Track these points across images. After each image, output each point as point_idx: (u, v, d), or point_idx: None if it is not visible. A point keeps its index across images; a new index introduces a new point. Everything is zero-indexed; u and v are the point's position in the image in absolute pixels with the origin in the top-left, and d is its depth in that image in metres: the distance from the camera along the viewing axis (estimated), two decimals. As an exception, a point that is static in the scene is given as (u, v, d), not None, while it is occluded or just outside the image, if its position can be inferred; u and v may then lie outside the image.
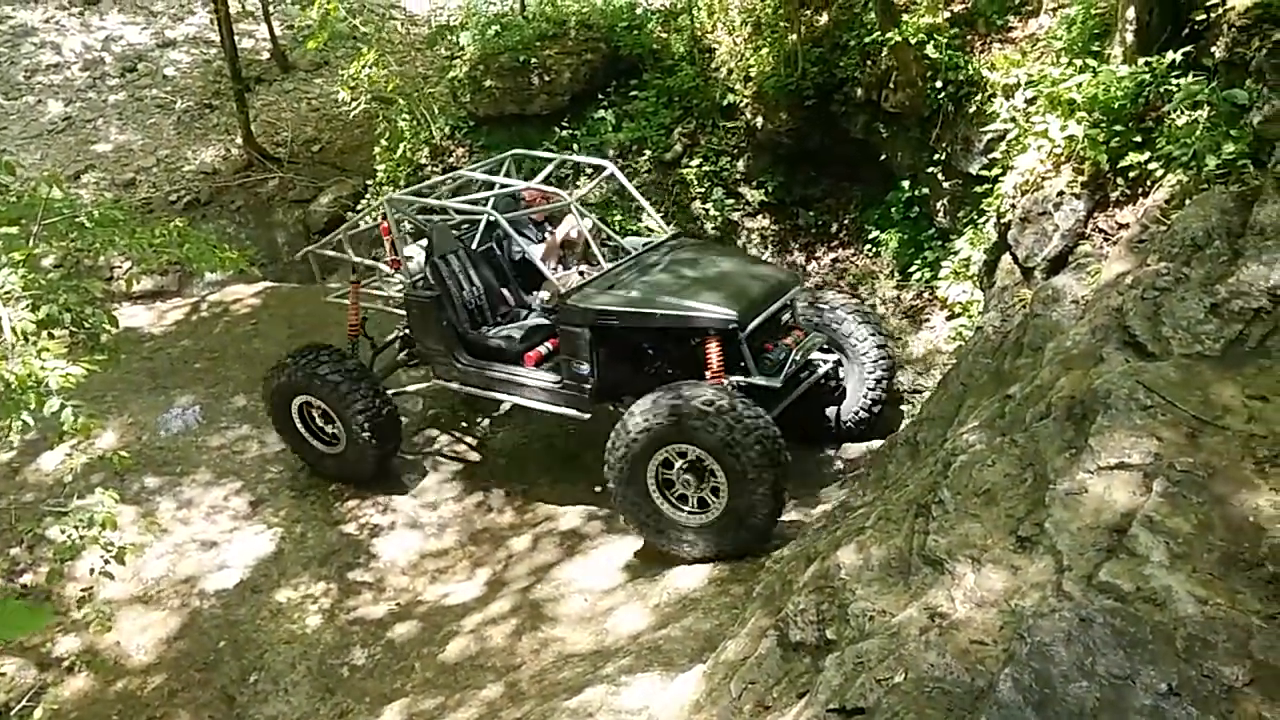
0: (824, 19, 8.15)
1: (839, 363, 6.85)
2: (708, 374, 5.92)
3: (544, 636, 5.65)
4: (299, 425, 7.26)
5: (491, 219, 6.96)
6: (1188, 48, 5.50)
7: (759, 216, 8.53)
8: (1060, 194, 5.99)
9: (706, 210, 8.57)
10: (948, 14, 7.27)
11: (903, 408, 7.18)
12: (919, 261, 7.56)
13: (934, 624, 3.15)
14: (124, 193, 13.16)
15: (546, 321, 6.80)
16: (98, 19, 17.33)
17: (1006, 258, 6.37)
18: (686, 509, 5.77)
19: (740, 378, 6.00)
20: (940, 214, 7.47)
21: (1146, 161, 5.57)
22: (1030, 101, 6.34)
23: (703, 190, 8.60)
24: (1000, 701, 2.36)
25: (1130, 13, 5.87)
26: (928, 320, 7.44)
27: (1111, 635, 2.51)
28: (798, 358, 6.26)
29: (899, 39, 6.96)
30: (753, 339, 6.06)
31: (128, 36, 17.01)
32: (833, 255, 8.20)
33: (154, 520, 6.76)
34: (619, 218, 8.73)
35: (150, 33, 17.11)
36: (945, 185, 7.35)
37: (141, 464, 7.61)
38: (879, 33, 7.15)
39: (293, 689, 5.82)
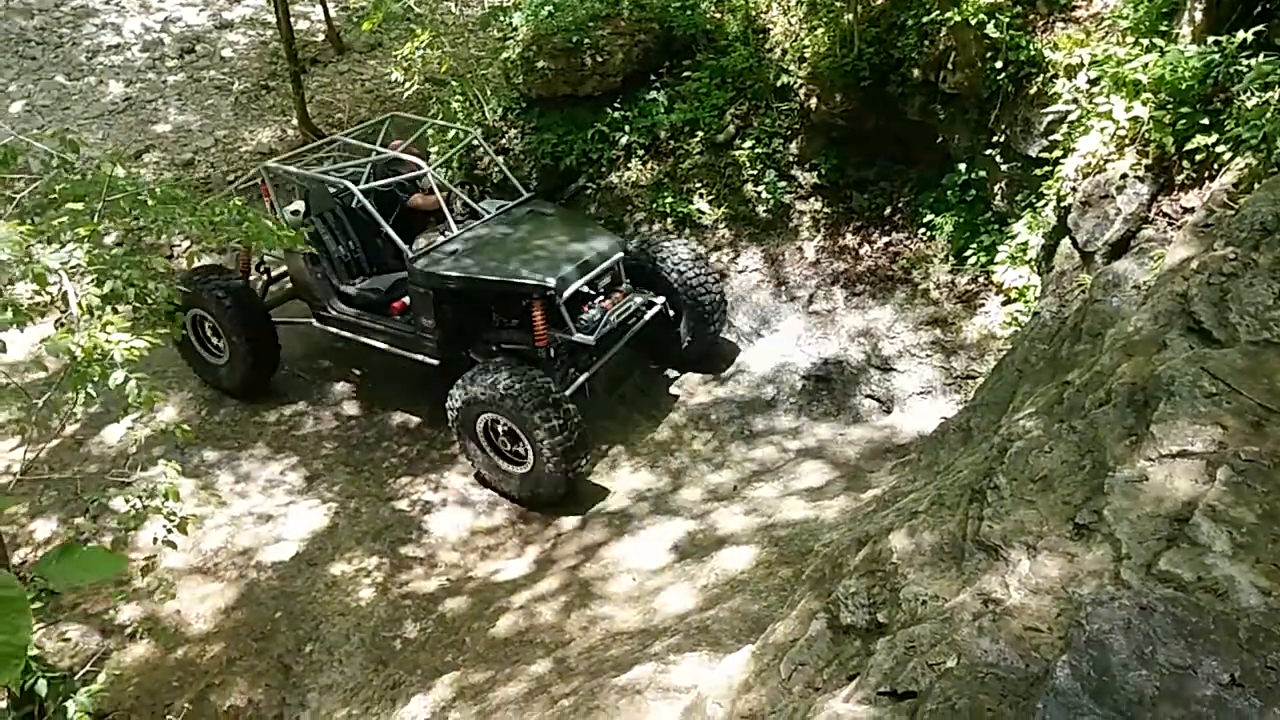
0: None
1: (670, 304, 7.66)
2: (534, 332, 6.95)
3: (592, 614, 5.69)
4: (192, 337, 7.99)
5: (351, 184, 7.49)
6: (1260, 27, 5.35)
7: (811, 199, 8.46)
8: (1123, 177, 5.87)
9: (758, 193, 8.51)
10: (1008, -6, 7.12)
11: (955, 396, 7.09)
12: (974, 246, 7.45)
13: (987, 610, 3.13)
14: (183, 172, 13.38)
15: None
16: (157, 1, 17.62)
17: (1065, 242, 6.26)
18: (509, 461, 6.85)
19: (561, 335, 6.95)
20: (997, 198, 7.35)
21: (1214, 144, 5.44)
22: (1093, 82, 6.21)
23: (755, 172, 8.54)
24: (1058, 689, 2.34)
25: (1199, -10, 5.73)
26: (982, 305, 7.33)
27: (1172, 624, 2.47)
28: (613, 318, 7.11)
29: (959, 18, 6.84)
30: (571, 302, 6.92)
31: (186, 18, 17.28)
32: (886, 239, 8.10)
33: (214, 493, 6.91)
34: (669, 199, 8.70)
35: (208, 14, 17.36)
36: (1003, 168, 7.22)
37: (200, 438, 7.79)
38: (938, 12, 7.03)
39: (347, 660, 5.93)
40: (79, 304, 3.43)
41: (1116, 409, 3.75)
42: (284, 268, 8.35)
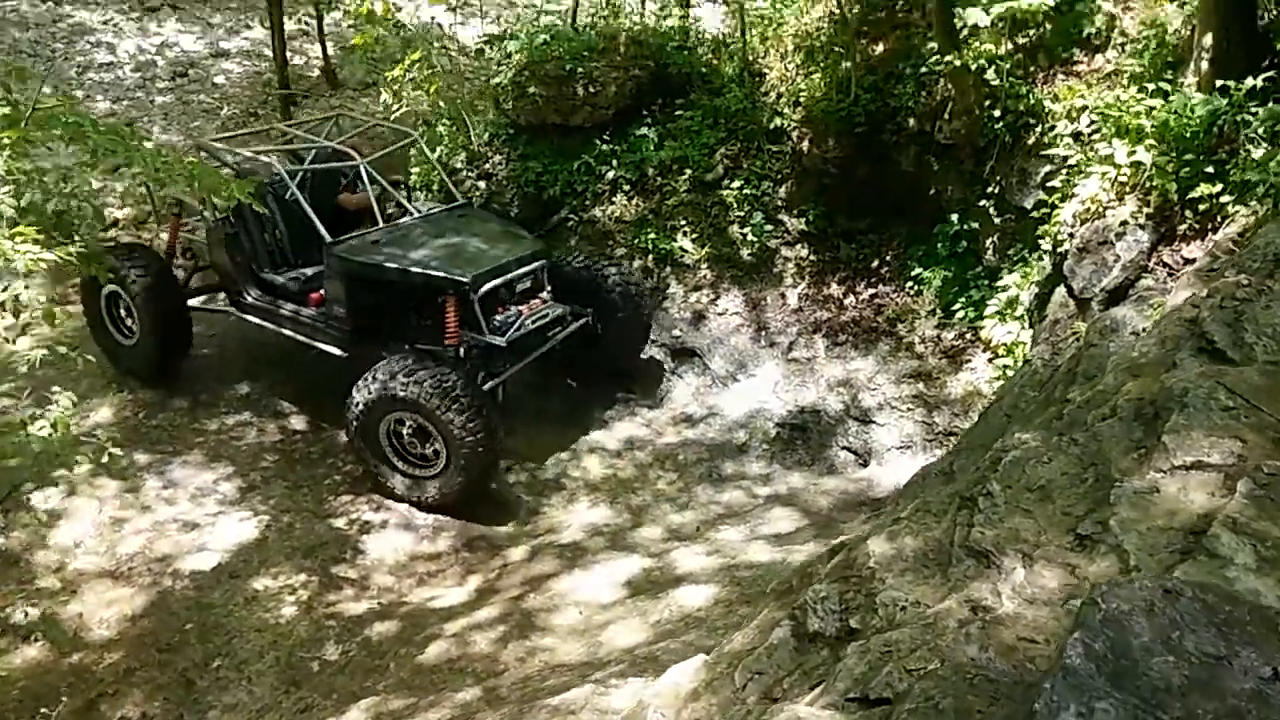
0: (880, 48, 7.92)
1: (593, 318, 7.56)
2: (445, 330, 6.77)
3: (532, 645, 5.20)
4: (104, 312, 7.77)
5: (282, 172, 7.46)
6: (1271, 73, 5.19)
7: (798, 246, 8.21)
8: (1123, 224, 5.64)
9: (744, 235, 8.26)
10: (1010, 45, 7.00)
11: (937, 451, 6.73)
12: (963, 300, 7.19)
13: (976, 617, 2.72)
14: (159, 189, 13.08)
15: None
16: (155, 25, 17.52)
17: (1060, 290, 5.99)
18: (415, 465, 6.57)
19: (474, 334, 6.79)
20: (989, 251, 7.12)
21: (1219, 194, 5.23)
22: (1095, 129, 6.03)
23: (742, 214, 8.30)
24: (1069, 669, 1.93)
25: (1207, 40, 5.58)
26: (969, 362, 7.04)
27: (1202, 611, 2.08)
28: (529, 322, 6.98)
29: (959, 63, 6.68)
30: (485, 302, 6.77)
31: (182, 44, 17.15)
32: (871, 291, 7.83)
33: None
34: (652, 235, 8.44)
35: (205, 42, 17.25)
36: (996, 221, 7.01)
37: (134, 440, 7.31)
38: (938, 55, 6.88)
39: (257, 678, 5.38)
40: (-14, 210, 3.06)
41: (1122, 422, 3.40)
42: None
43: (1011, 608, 2.77)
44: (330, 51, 15.83)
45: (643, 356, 8.17)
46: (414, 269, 6.78)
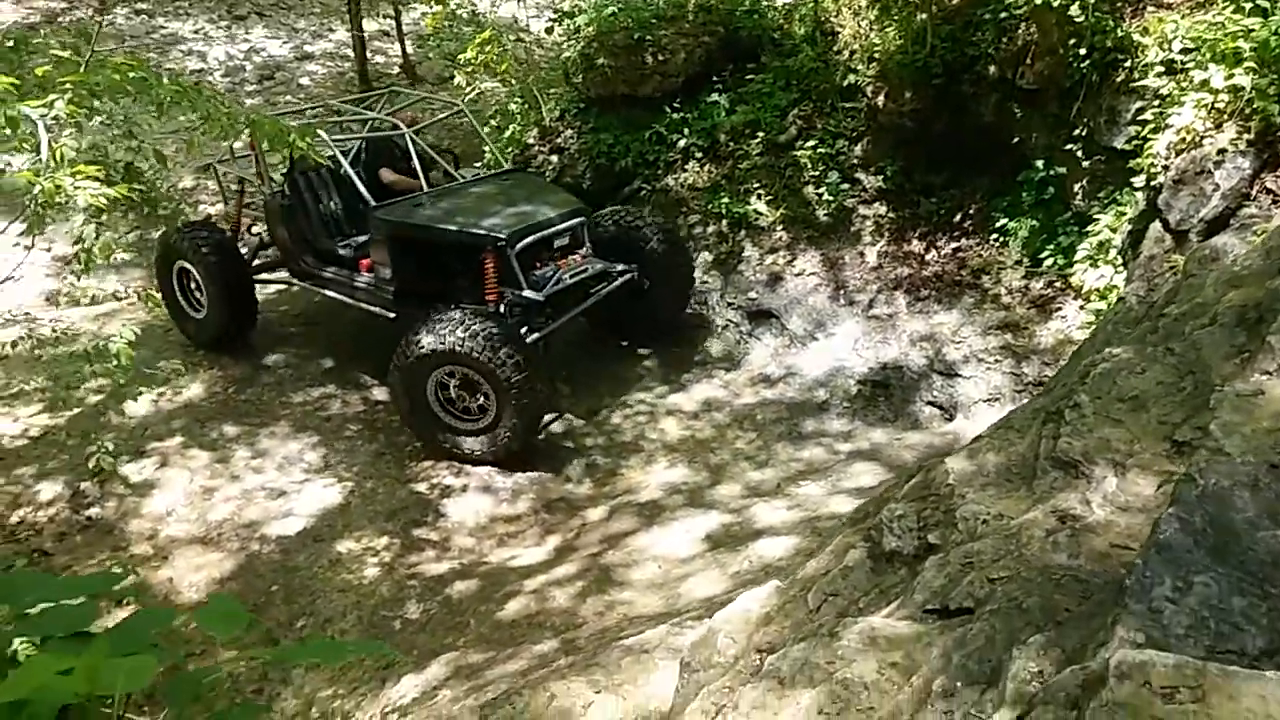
0: (957, -2, 7.65)
1: (636, 276, 7.57)
2: (485, 287, 6.85)
3: (610, 599, 5.15)
4: (175, 288, 8.14)
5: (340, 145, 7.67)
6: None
7: (875, 203, 7.99)
8: (1222, 152, 5.33)
9: (819, 195, 8.07)
10: (1095, -20, 6.69)
11: (1022, 399, 6.47)
12: (1051, 248, 6.89)
13: (1064, 526, 2.57)
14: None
15: None
16: (243, 32, 18.00)
17: (1155, 225, 5.70)
18: (464, 419, 6.64)
19: (513, 290, 6.84)
20: (1078, 196, 6.81)
21: (1326, 113, 4.90)
22: (1189, 56, 5.71)
23: (816, 174, 8.11)
24: (1163, 543, 1.78)
25: (1311, -49, 5.24)
26: (1059, 310, 6.74)
27: (1315, 487, 1.90)
28: (566, 277, 7.04)
29: (1040, 1, 6.40)
30: (523, 257, 6.83)
31: (269, 49, 17.59)
32: (954, 245, 7.57)
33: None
34: (726, 199, 8.31)
35: (290, 46, 17.67)
36: (1085, 164, 6.70)
37: (223, 413, 7.49)
38: (1017, -2, 6.61)
39: (339, 637, 5.43)
40: (51, 151, 3.11)
41: (1223, 329, 3.19)
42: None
43: (1103, 515, 2.60)
44: (409, 49, 16.10)
45: (688, 311, 8.24)
46: (451, 227, 6.97)
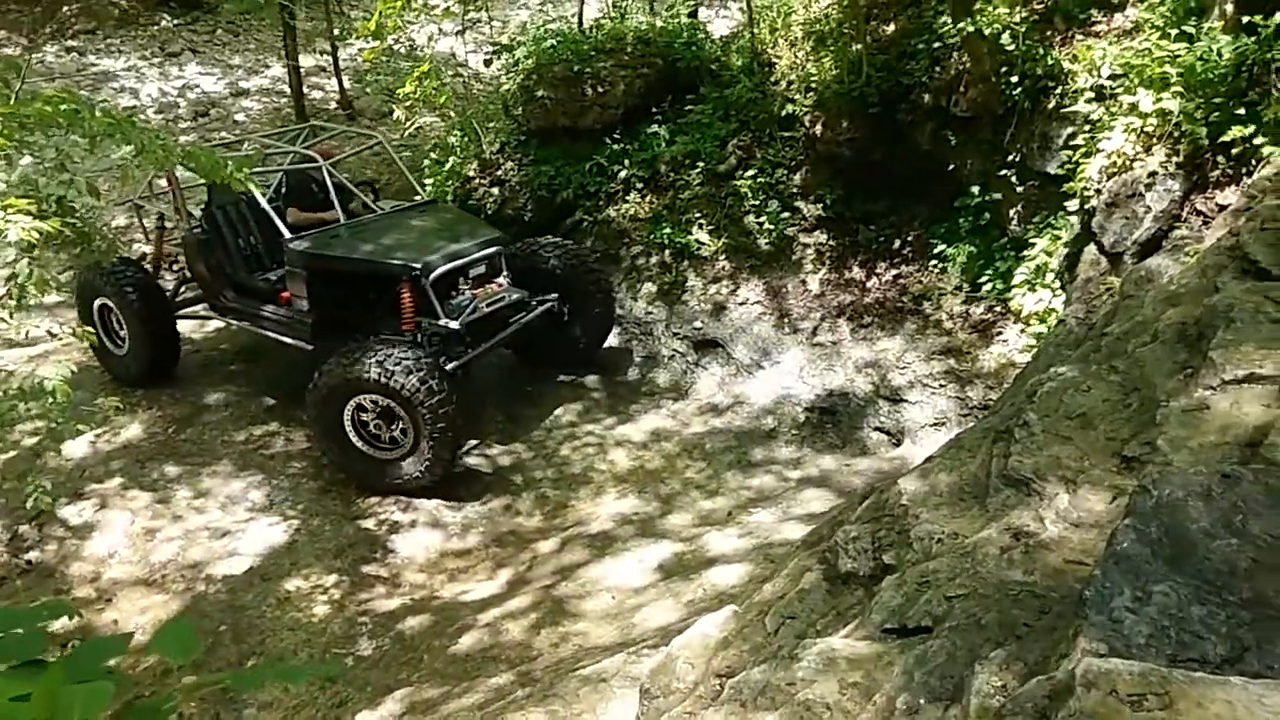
0: (891, 28, 7.82)
1: (558, 303, 7.72)
2: (401, 317, 6.91)
3: (565, 631, 5.11)
4: (98, 325, 7.99)
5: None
6: (1296, 10, 5.04)
7: (816, 231, 8.09)
8: (1152, 174, 5.49)
9: (760, 224, 8.15)
10: (1025, 10, 6.88)
11: (968, 423, 6.57)
12: (989, 273, 7.03)
13: (1018, 544, 2.60)
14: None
15: None
16: (176, 69, 17.74)
17: (1090, 248, 5.84)
18: (380, 449, 6.63)
19: (429, 320, 6.89)
20: (1013, 221, 6.97)
21: (1251, 135, 5.07)
22: (1118, 82, 5.88)
23: (757, 203, 8.20)
24: (1120, 554, 1.81)
25: (1229, -19, 5.44)
26: (1000, 334, 6.87)
27: (1265, 495, 1.95)
28: (483, 305, 7.05)
29: (973, 29, 6.57)
30: (439, 286, 6.89)
31: (203, 85, 17.36)
32: (894, 271, 7.69)
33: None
34: (668, 230, 8.35)
35: (225, 83, 17.45)
36: (1019, 189, 6.87)
37: (164, 454, 7.32)
38: (951, 25, 6.77)
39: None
40: (-20, 186, 3.03)
41: (1165, 345, 3.27)
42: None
43: (1056, 532, 2.64)
44: (346, 84, 16.01)
45: (609, 347, 8.31)
46: (366, 258, 7.05)
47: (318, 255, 7.09)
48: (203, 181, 8.12)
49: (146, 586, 6.09)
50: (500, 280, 7.38)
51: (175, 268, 8.50)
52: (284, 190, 8.19)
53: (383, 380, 6.23)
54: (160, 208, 8.59)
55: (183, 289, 8.43)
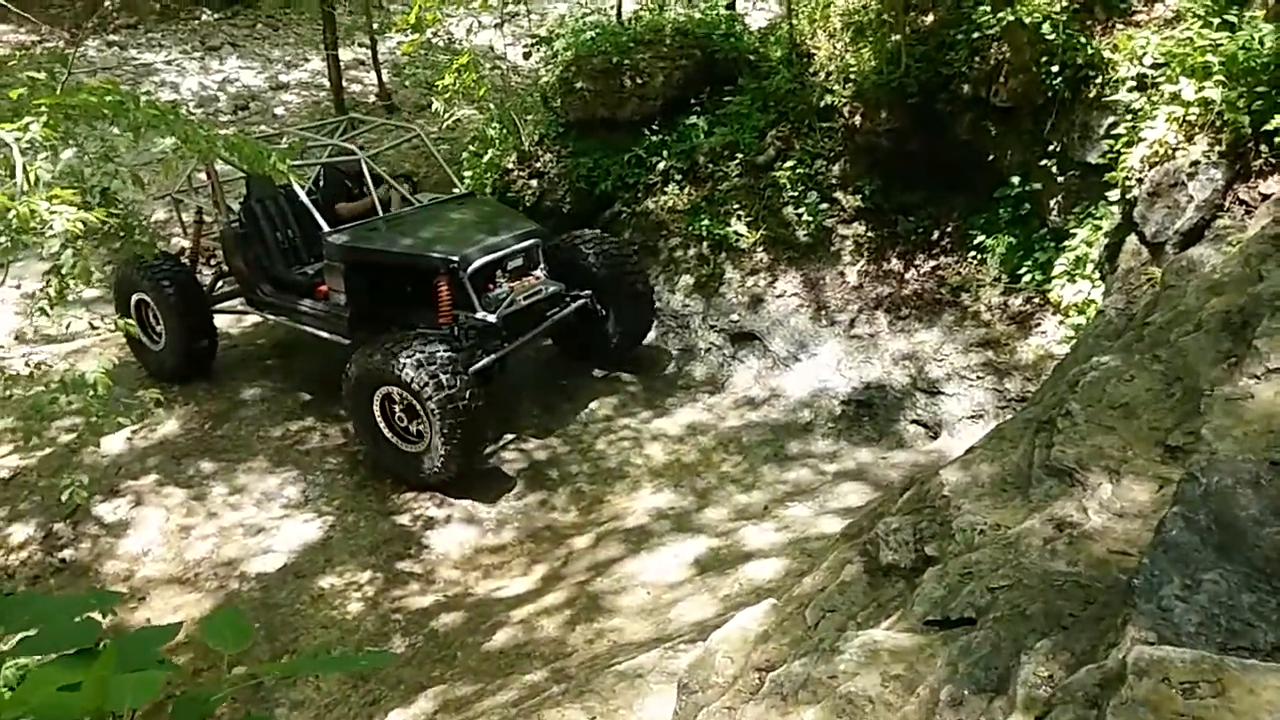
0: (930, 18, 7.72)
1: (593, 300, 7.63)
2: (439, 310, 6.89)
3: (599, 627, 5.09)
4: (135, 321, 7.77)
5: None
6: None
7: (854, 223, 8.01)
8: (1195, 164, 5.37)
9: (799, 216, 8.08)
10: (1065, 1, 6.77)
11: (1006, 415, 6.47)
12: (1029, 264, 6.92)
13: (1061, 534, 2.54)
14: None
15: None
16: (217, 63, 17.94)
17: (1131, 238, 5.73)
18: (405, 441, 6.64)
19: (467, 313, 6.88)
20: (1053, 211, 6.85)
21: (1296, 123, 4.95)
22: (1159, 71, 5.77)
23: (795, 195, 8.13)
24: (1169, 542, 1.76)
25: (1276, -35, 5.31)
26: (1038, 325, 6.77)
27: (1318, 483, 1.88)
28: (520, 299, 7.02)
29: (1013, 19, 6.47)
30: (476, 280, 6.85)
31: (243, 79, 17.55)
32: (933, 263, 7.59)
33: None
34: (706, 221, 8.31)
35: (265, 76, 17.63)
36: (1060, 179, 6.75)
37: (200, 450, 7.37)
38: (991, 16, 6.67)
39: (323, 675, 5.31)
40: (25, 174, 3.06)
41: (1209, 334, 3.19)
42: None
43: (1100, 522, 2.57)
44: (385, 77, 16.10)
45: (646, 342, 8.20)
46: (404, 251, 7.04)
47: (355, 249, 7.08)
48: (241, 176, 8.24)
49: (180, 584, 6.14)
50: (537, 273, 7.32)
51: (213, 262, 8.55)
52: (321, 184, 8.18)
53: (397, 373, 6.26)
54: (199, 202, 8.62)
55: (220, 283, 8.44)
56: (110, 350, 8.53)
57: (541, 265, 7.38)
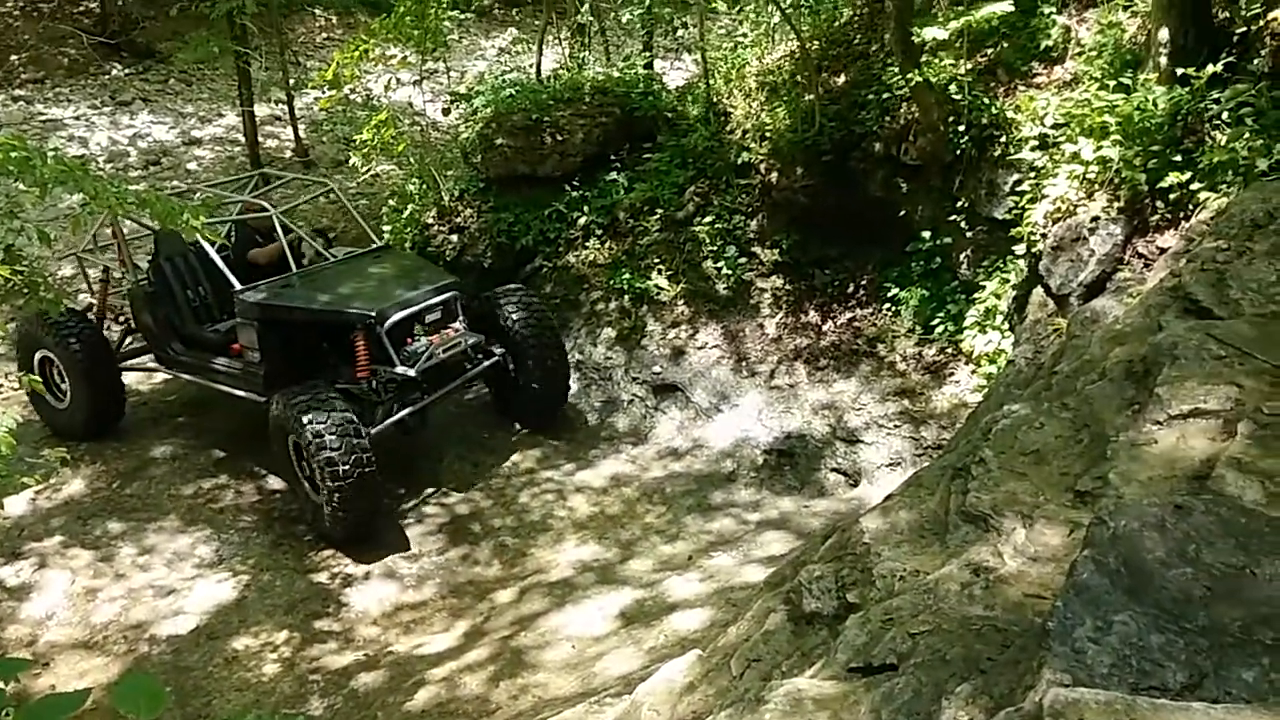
0: (842, 79, 8.00)
1: (505, 355, 7.55)
2: (356, 365, 6.81)
3: (524, 683, 5.03)
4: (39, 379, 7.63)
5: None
6: (1229, 59, 5.23)
7: (773, 276, 8.17)
8: (1095, 219, 5.64)
9: (719, 269, 8.22)
10: (970, 63, 7.08)
11: (923, 462, 6.62)
12: (941, 315, 7.15)
13: (978, 579, 2.61)
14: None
15: None
16: (127, 118, 17.56)
17: (1038, 291, 5.96)
18: (312, 487, 6.57)
19: (385, 367, 6.80)
20: (963, 265, 7.10)
21: (1188, 181, 5.23)
22: (1060, 131, 6.05)
23: (715, 249, 8.27)
24: (1080, 585, 1.82)
25: (1164, 34, 5.64)
26: (952, 375, 6.97)
27: (1217, 525, 1.97)
28: (439, 351, 6.92)
29: (920, 79, 6.73)
30: (394, 334, 6.79)
31: (155, 134, 17.21)
32: (849, 315, 7.78)
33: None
34: (627, 275, 8.38)
35: (177, 131, 17.31)
36: (968, 234, 7.01)
37: (108, 510, 7.12)
38: (900, 76, 6.93)
39: (241, 740, 5.13)
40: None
41: (1113, 383, 3.33)
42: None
43: (1015, 566, 2.65)
44: (302, 133, 15.97)
45: (563, 408, 8.05)
46: (320, 307, 6.93)
47: (269, 305, 6.93)
48: (149, 233, 8.06)
49: (86, 649, 5.90)
50: (457, 325, 7.23)
51: (121, 319, 8.31)
52: (233, 239, 7.98)
53: (296, 427, 6.25)
54: (105, 260, 8.40)
55: (128, 341, 8.24)
56: (13, 408, 8.20)
57: (460, 317, 7.31)
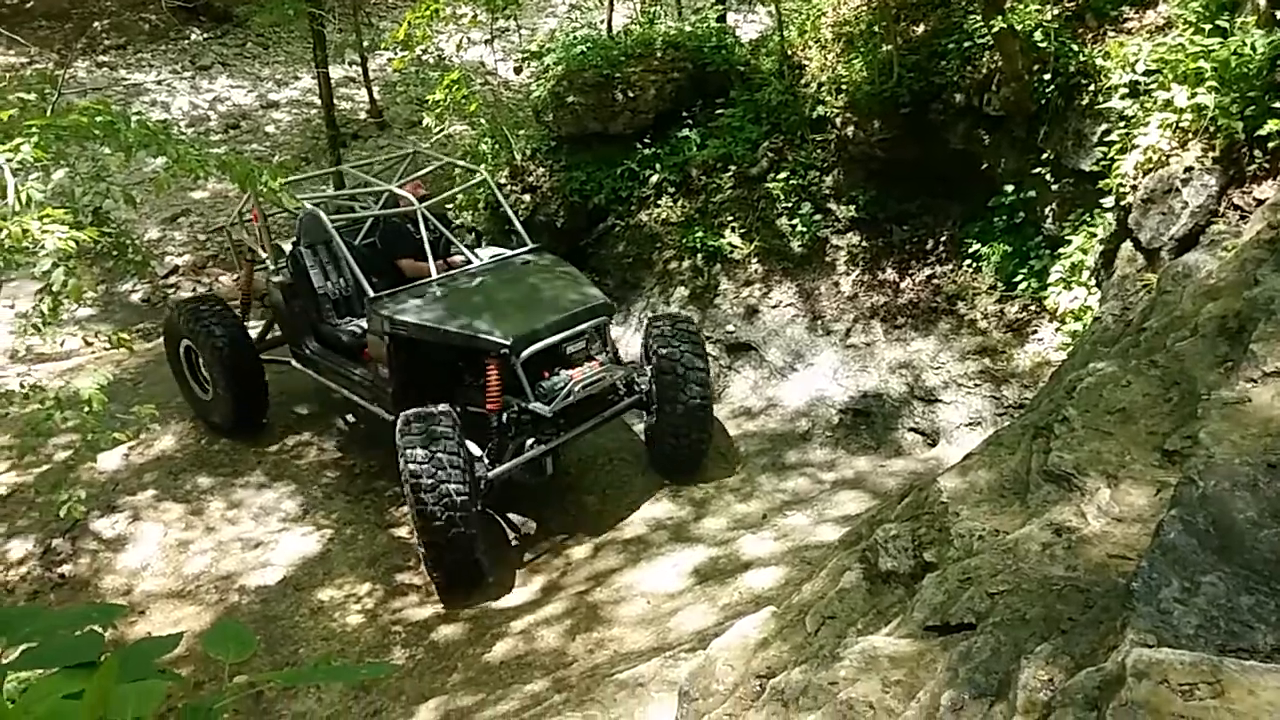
0: (921, 29, 7.77)
1: (650, 390, 6.68)
2: (487, 395, 6.13)
3: (599, 637, 5.10)
4: (184, 366, 7.63)
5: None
6: (1335, -3, 4.95)
7: (849, 233, 8.04)
8: (1189, 170, 5.39)
9: (793, 226, 8.11)
10: (1056, 10, 6.81)
11: (1003, 422, 6.49)
12: (1024, 271, 6.94)
13: (1060, 539, 2.55)
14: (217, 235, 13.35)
15: None
16: (207, 82, 17.96)
17: (1126, 245, 5.75)
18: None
19: (519, 400, 6.13)
20: (1048, 219, 6.88)
21: (1289, 128, 4.98)
22: (1151, 78, 5.80)
23: (789, 205, 8.16)
24: (1167, 545, 1.77)
25: (1266, -27, 5.35)
26: (1035, 333, 6.78)
27: (1314, 485, 1.90)
28: (577, 389, 6.15)
29: (1004, 27, 6.50)
30: (530, 366, 6.09)
31: (234, 98, 17.58)
32: (928, 271, 7.62)
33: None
34: (700, 234, 8.32)
35: (255, 95, 17.66)
36: (1054, 187, 6.78)
37: (196, 465, 7.37)
38: (982, 24, 6.71)
39: (325, 686, 5.31)
40: (17, 195, 3.07)
41: (1205, 339, 3.21)
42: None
43: (1098, 527, 2.58)
44: (376, 94, 16.15)
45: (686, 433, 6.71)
46: (452, 329, 6.16)
47: (399, 320, 6.24)
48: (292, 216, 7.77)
49: (179, 599, 6.14)
50: (601, 357, 6.51)
51: (263, 300, 8.00)
52: (377, 233, 7.36)
53: (403, 453, 5.61)
54: (249, 240, 8.08)
55: (271, 331, 7.91)
56: (105, 368, 8.51)
57: (607, 346, 6.64)
